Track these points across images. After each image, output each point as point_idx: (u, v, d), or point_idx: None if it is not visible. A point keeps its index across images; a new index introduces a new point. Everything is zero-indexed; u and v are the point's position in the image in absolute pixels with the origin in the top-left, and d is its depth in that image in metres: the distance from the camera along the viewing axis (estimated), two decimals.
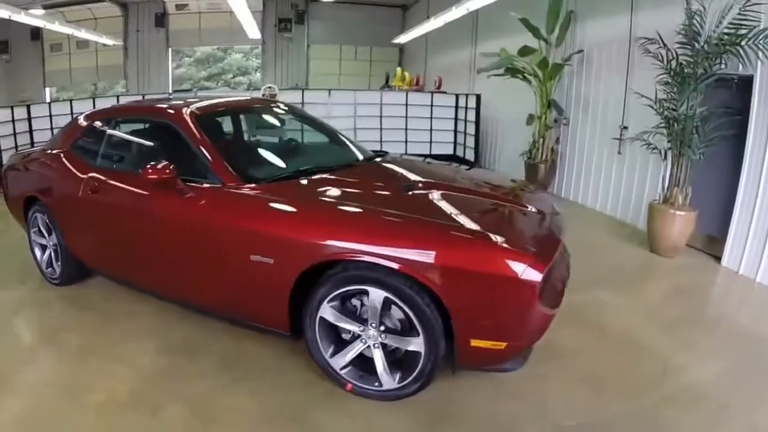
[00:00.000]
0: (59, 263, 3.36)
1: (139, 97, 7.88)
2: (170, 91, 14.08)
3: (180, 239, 2.63)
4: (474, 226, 2.14)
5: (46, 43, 14.19)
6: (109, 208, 2.95)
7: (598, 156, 5.71)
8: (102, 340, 2.77)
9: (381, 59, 14.54)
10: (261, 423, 2.13)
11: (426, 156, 8.22)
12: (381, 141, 8.78)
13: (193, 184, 2.56)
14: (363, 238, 2.09)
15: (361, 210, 2.28)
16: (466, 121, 8.25)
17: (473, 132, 7.98)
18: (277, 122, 3.81)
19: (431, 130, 8.67)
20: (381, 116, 8.73)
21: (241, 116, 3.65)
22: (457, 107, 8.46)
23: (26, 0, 10.68)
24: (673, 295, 3.60)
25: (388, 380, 2.19)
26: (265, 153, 3.36)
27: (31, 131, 7.42)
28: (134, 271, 3.05)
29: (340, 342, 2.32)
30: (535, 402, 2.27)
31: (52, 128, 7.19)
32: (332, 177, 2.71)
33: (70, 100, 8.51)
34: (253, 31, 11.95)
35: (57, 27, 9.74)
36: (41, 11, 11.52)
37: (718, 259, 4.07)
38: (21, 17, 7.44)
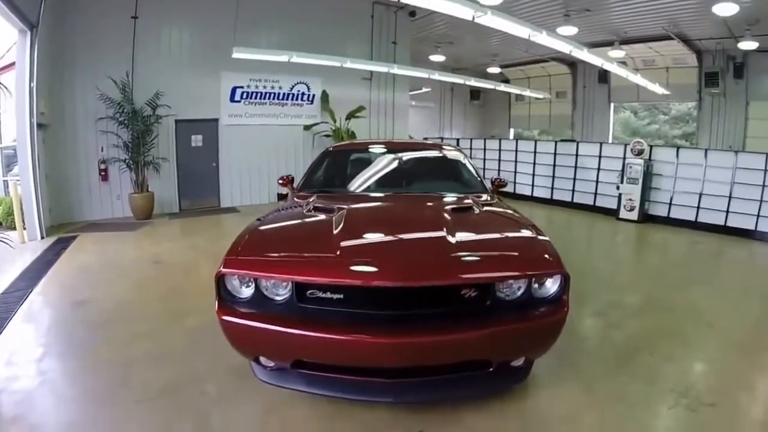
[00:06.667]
0: None
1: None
2: (610, 140, 15.77)
3: None
4: None
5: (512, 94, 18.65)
6: None
7: None
8: None
9: None
10: None
11: None
12: (699, 207, 7.37)
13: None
14: None
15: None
16: None
17: None
18: (405, 159, 4.30)
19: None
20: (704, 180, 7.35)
21: (372, 152, 4.42)
22: None
23: (487, 62, 14.96)
24: None
25: None
26: (340, 177, 4.11)
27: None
28: None
29: None
30: None
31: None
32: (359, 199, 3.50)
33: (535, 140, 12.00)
34: (659, 88, 11.64)
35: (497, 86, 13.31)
36: (498, 69, 15.75)
37: None
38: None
